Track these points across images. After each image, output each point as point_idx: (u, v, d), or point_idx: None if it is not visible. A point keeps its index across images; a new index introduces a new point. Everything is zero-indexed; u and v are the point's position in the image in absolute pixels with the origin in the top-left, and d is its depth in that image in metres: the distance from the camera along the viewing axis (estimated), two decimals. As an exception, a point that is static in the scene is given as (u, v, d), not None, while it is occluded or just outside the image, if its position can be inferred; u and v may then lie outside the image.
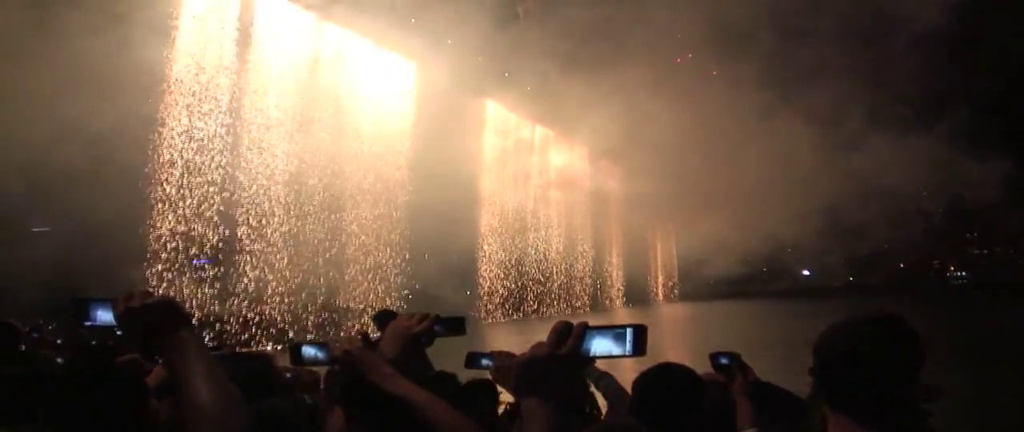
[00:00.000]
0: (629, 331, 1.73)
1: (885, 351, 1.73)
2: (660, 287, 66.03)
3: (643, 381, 2.87)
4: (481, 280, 41.52)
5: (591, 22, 37.88)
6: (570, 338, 1.69)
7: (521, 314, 44.10)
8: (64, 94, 21.04)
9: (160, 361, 1.80)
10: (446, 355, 2.77)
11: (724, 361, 3.42)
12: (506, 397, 3.34)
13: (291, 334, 28.90)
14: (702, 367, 3.25)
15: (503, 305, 43.02)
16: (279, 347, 27.61)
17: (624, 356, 1.74)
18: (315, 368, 3.47)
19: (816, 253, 71.38)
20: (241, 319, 28.12)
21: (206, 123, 28.23)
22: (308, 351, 2.29)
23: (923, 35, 52.61)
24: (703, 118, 45.88)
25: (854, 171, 51.09)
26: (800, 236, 56.34)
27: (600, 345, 1.74)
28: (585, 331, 1.71)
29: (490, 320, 40.78)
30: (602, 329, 1.73)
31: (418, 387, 2.07)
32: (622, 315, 50.39)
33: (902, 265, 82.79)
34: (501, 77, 41.14)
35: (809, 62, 51.82)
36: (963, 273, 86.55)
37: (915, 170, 52.15)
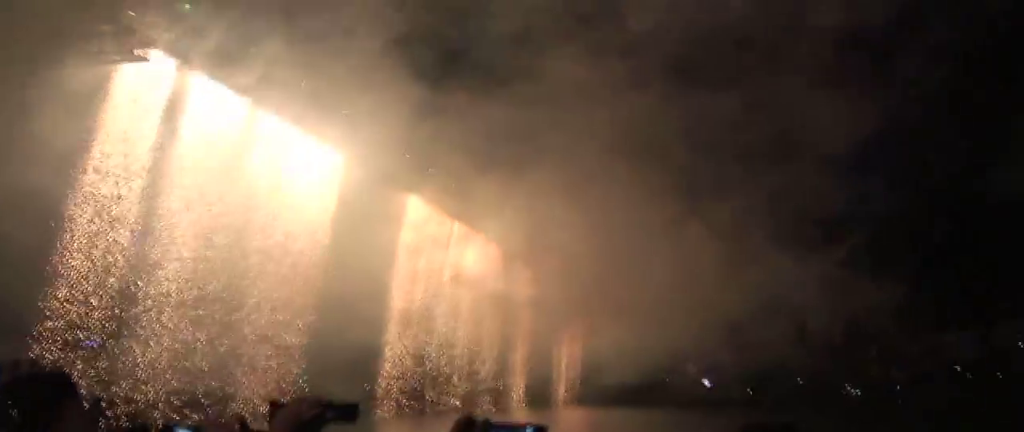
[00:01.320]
0: (530, 430, 1.79)
1: None
2: (561, 390, 66.51)
3: None
4: (382, 373, 41.70)
5: (510, 122, 38.91)
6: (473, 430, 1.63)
7: (419, 408, 44.22)
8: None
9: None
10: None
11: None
12: None
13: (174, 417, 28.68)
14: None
15: (401, 397, 43.15)
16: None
17: None
18: None
19: (716, 365, 73.12)
20: (124, 399, 27.88)
21: (121, 199, 28.44)
22: None
23: (827, 156, 54.58)
24: (612, 225, 47.04)
25: (756, 286, 52.56)
26: (701, 348, 57.96)
27: None
28: (487, 427, 1.77)
29: (387, 414, 40.85)
30: (504, 427, 1.74)
31: None
32: (523, 415, 50.86)
33: (800, 380, 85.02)
34: (425, 173, 42.04)
35: (717, 176, 53.27)
36: (858, 391, 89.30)
37: (815, 289, 54.22)
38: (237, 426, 2.23)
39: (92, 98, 28.08)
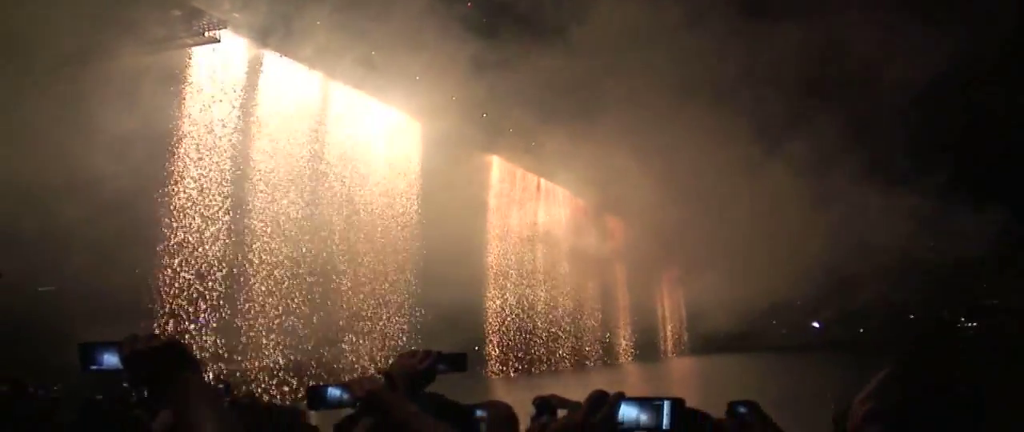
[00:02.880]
0: (666, 404, 1.71)
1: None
2: (669, 341, 65.29)
3: None
4: (488, 335, 41.25)
5: (569, 67, 37.86)
6: (604, 407, 1.69)
7: (526, 368, 43.64)
8: (71, 153, 21.18)
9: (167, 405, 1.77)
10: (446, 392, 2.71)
11: (742, 410, 3.35)
12: None
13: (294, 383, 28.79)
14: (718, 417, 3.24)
15: (510, 359, 42.62)
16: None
17: (661, 429, 1.71)
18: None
19: (823, 307, 70.68)
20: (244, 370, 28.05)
21: (213, 181, 28.56)
22: (333, 393, 2.29)
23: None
24: (691, 171, 45.59)
25: (850, 222, 50.33)
26: (805, 290, 55.81)
27: (635, 417, 1.72)
28: (619, 402, 1.71)
29: (494, 373, 40.44)
30: (638, 401, 1.71)
31: (441, 425, 2.09)
32: (632, 370, 49.91)
33: (912, 317, 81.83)
34: (505, 132, 41.42)
35: (793, 112, 51.11)
36: (973, 323, 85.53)
37: (916, 222, 51.69)
38: (383, 380, 2.24)
39: (169, 82, 28.08)
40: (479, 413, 2.76)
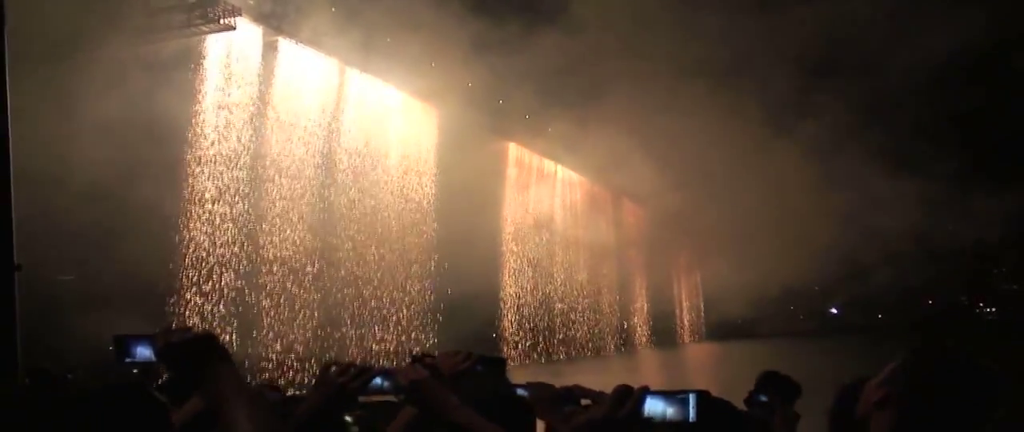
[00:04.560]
0: (692, 397, 1.71)
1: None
2: (686, 328, 65.16)
3: None
4: (505, 323, 41.30)
5: (581, 51, 37.50)
6: (629, 402, 1.71)
7: (544, 356, 43.70)
8: (86, 137, 21.21)
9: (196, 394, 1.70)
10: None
11: (763, 398, 3.36)
12: None
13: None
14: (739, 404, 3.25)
15: (528, 346, 42.67)
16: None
17: (687, 422, 1.71)
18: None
19: (840, 292, 70.38)
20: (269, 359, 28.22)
21: (230, 168, 28.68)
22: (375, 381, 2.27)
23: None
24: (701, 154, 45.10)
25: (866, 207, 49.65)
26: (822, 275, 55.37)
27: (661, 410, 1.73)
28: (644, 396, 1.72)
29: (515, 360, 40.48)
30: (664, 394, 1.72)
31: (484, 420, 2.11)
32: (650, 357, 49.85)
33: (930, 302, 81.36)
34: (522, 119, 41.30)
35: (803, 93, 50.35)
36: (992, 309, 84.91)
37: (934, 206, 51.06)
38: (426, 370, 2.24)
39: (185, 70, 28.13)
40: (521, 392, 2.74)
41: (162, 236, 25.99)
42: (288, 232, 29.82)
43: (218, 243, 27.79)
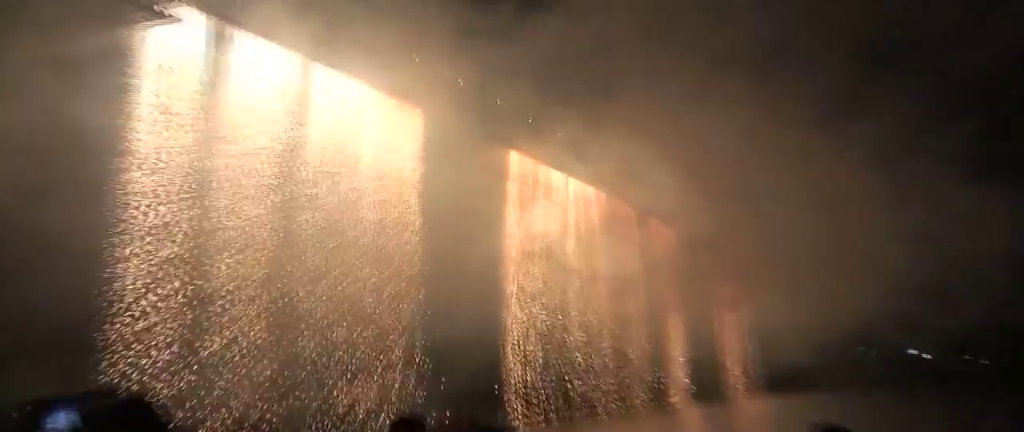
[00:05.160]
0: None
1: None
2: (735, 378, 63.74)
3: None
4: (510, 372, 40.13)
5: (594, 39, 36.83)
6: None
7: (558, 414, 42.44)
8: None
9: None
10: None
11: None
12: None
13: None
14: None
15: (542, 406, 41.46)
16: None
17: None
18: None
19: (923, 330, 68.79)
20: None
21: (168, 185, 27.84)
22: None
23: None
24: (737, 163, 44.17)
25: (939, 225, 48.31)
26: (897, 311, 54.04)
27: None
28: None
29: (529, 423, 39.36)
30: None
31: None
32: (693, 417, 48.62)
33: (1034, 341, 79.87)
34: (523, 122, 40.74)
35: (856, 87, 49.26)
36: None
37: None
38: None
39: (116, 68, 27.47)
40: None
41: (81, 270, 25.08)
42: (240, 258, 28.91)
43: (153, 277, 26.87)
